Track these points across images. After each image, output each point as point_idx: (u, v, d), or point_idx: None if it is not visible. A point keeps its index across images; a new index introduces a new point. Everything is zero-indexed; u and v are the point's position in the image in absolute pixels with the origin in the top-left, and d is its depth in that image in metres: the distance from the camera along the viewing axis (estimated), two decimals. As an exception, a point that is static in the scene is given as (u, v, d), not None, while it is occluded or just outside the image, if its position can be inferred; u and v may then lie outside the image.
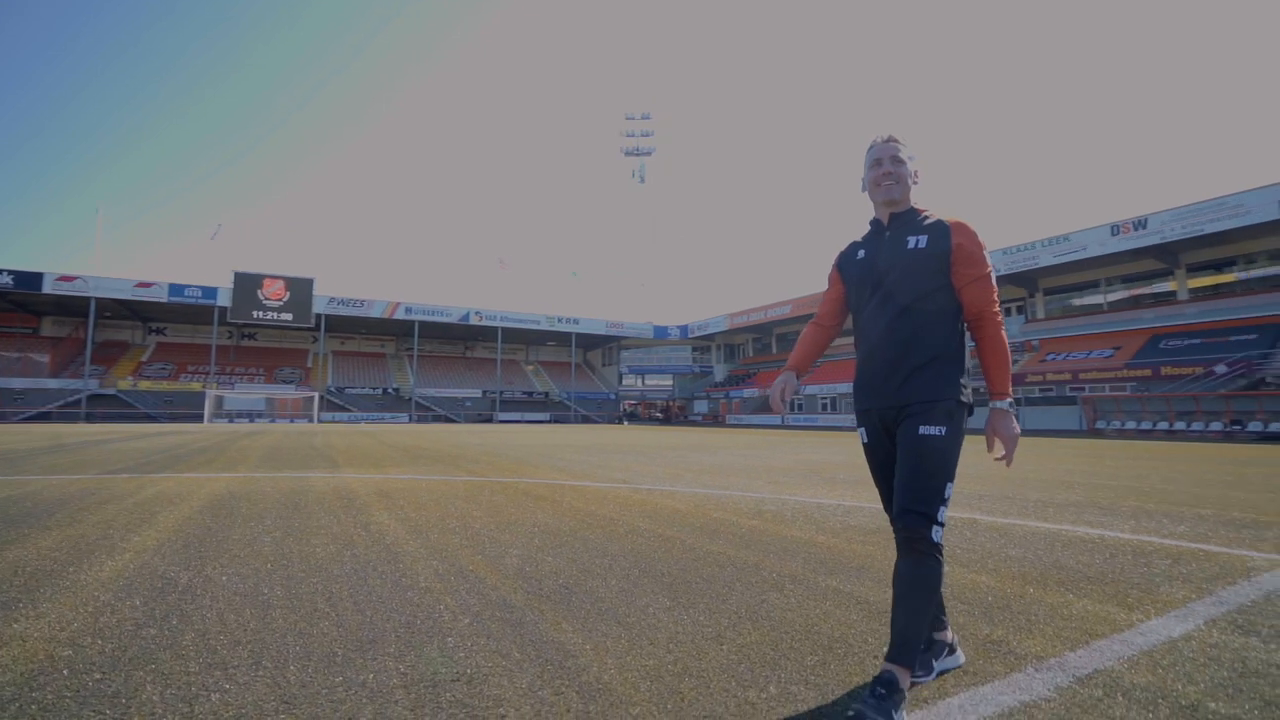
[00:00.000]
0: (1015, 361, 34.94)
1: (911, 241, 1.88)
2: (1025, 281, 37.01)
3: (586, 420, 53.94)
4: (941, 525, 1.71)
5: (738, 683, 1.88)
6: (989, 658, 2.07)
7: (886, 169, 1.95)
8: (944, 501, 1.73)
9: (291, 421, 44.20)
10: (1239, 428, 23.57)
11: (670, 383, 60.34)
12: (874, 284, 1.93)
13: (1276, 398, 23.46)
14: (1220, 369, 26.26)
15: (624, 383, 60.69)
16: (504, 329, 55.58)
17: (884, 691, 1.61)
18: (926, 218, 1.92)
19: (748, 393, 52.06)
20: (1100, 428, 27.59)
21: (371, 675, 1.92)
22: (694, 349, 61.61)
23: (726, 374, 59.89)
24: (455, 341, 63.01)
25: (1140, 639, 2.25)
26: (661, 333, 59.75)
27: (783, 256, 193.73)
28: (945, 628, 1.97)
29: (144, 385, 45.97)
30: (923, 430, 1.76)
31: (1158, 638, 2.27)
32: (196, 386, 46.43)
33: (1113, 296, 34.99)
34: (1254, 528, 4.44)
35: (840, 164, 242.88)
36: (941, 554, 1.73)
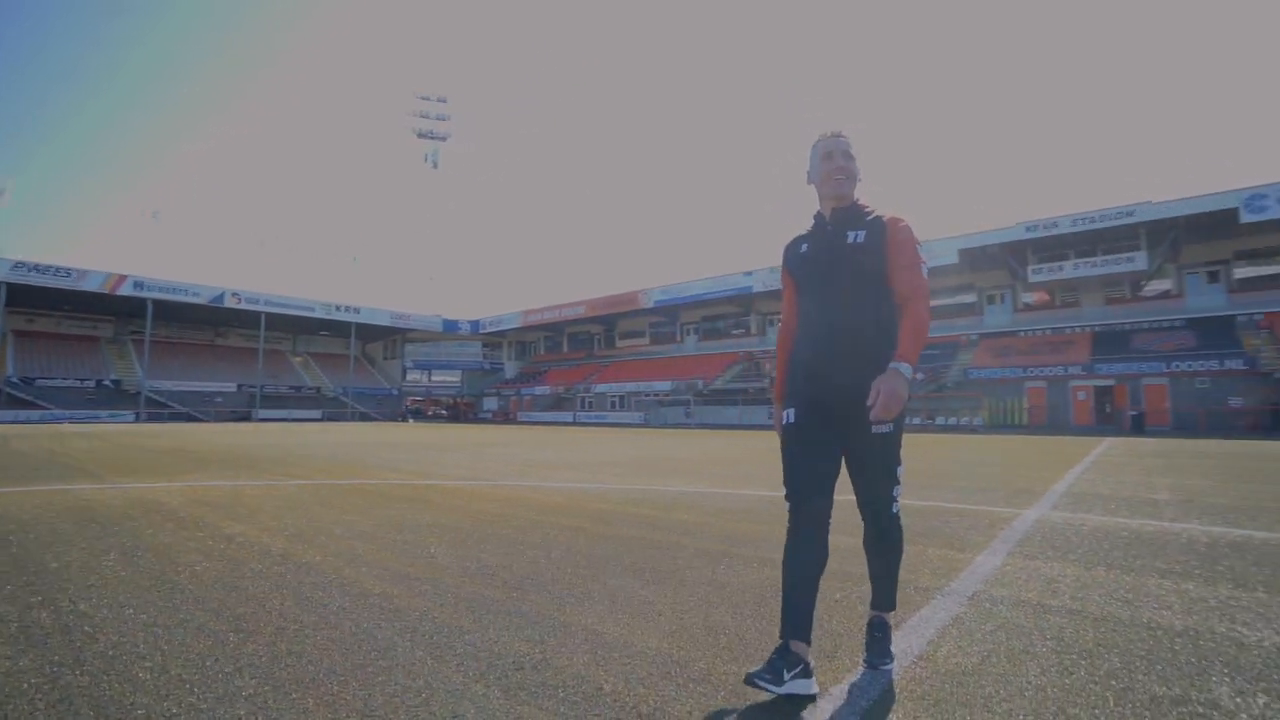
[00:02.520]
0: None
1: (851, 236, 1.94)
2: (779, 298, 43.02)
3: (366, 418, 49.58)
4: (898, 500, 1.98)
5: (737, 628, 2.27)
6: (906, 592, 2.75)
7: (839, 164, 1.98)
8: (899, 481, 1.96)
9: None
10: (930, 421, 30.36)
11: (459, 379, 58.19)
12: (819, 277, 1.98)
13: (955, 399, 30.73)
14: (920, 376, 33.50)
15: (408, 378, 57.02)
16: (268, 314, 48.49)
17: (880, 634, 1.97)
18: (868, 213, 1.98)
19: (539, 390, 52.48)
20: (838, 422, 33.34)
21: (454, 669, 1.93)
22: (485, 345, 60.21)
23: (518, 371, 59.62)
24: (203, 327, 53.29)
25: (981, 569, 3.15)
26: (451, 327, 57.34)
27: (578, 258, 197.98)
28: (808, 640, 1.79)
29: None
30: (876, 430, 1.88)
31: (990, 567, 3.19)
32: None
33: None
34: (992, 491, 6.08)
35: (644, 166, 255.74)
36: (900, 521, 2.01)
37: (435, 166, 67.44)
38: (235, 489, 6.24)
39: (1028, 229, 31.29)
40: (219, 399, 46.57)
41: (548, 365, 57.04)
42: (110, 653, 2.04)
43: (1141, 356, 27.81)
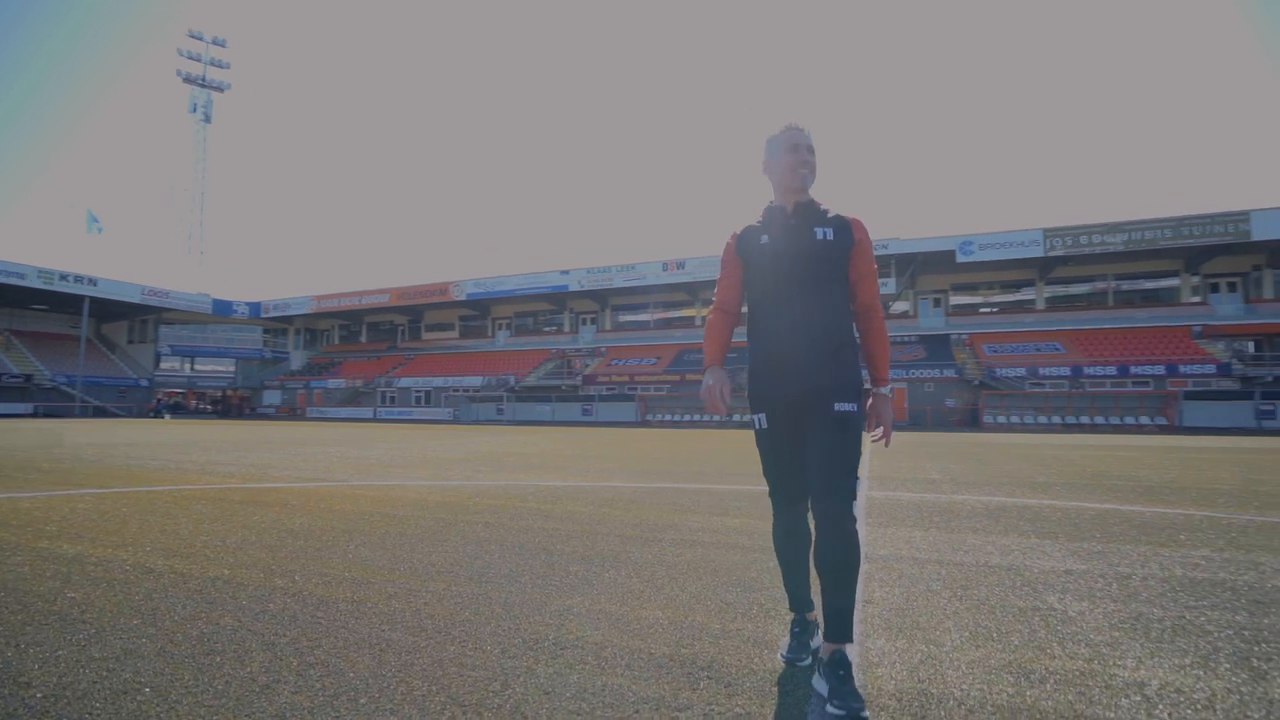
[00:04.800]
0: (588, 365, 41.67)
1: (820, 233, 1.91)
2: (599, 298, 44.36)
3: (103, 413, 40.70)
4: (855, 498, 1.81)
5: (718, 595, 2.68)
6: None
7: (804, 157, 1.96)
8: (857, 477, 1.82)
9: None
10: (730, 419, 33.69)
11: (232, 369, 50.37)
12: (785, 271, 1.92)
13: (747, 399, 34.44)
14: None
15: (163, 366, 47.91)
16: (-56, 279, 37.42)
17: (844, 673, 1.67)
18: (827, 211, 1.97)
19: (333, 383, 47.68)
20: (649, 420, 35.38)
21: (497, 653, 2.03)
22: (267, 331, 52.88)
23: (306, 362, 53.45)
24: None
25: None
26: (225, 309, 49.45)
27: (383, 243, 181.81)
28: (813, 607, 2.11)
29: None
30: (839, 408, 1.81)
31: (863, 535, 3.98)
32: None
33: (656, 316, 44.98)
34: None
35: (462, 155, 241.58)
36: (856, 527, 1.79)
37: (207, 121, 57.32)
38: (51, 500, 5.10)
39: (810, 252, 36.22)
40: None
41: (343, 356, 51.98)
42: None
43: (892, 365, 33.82)
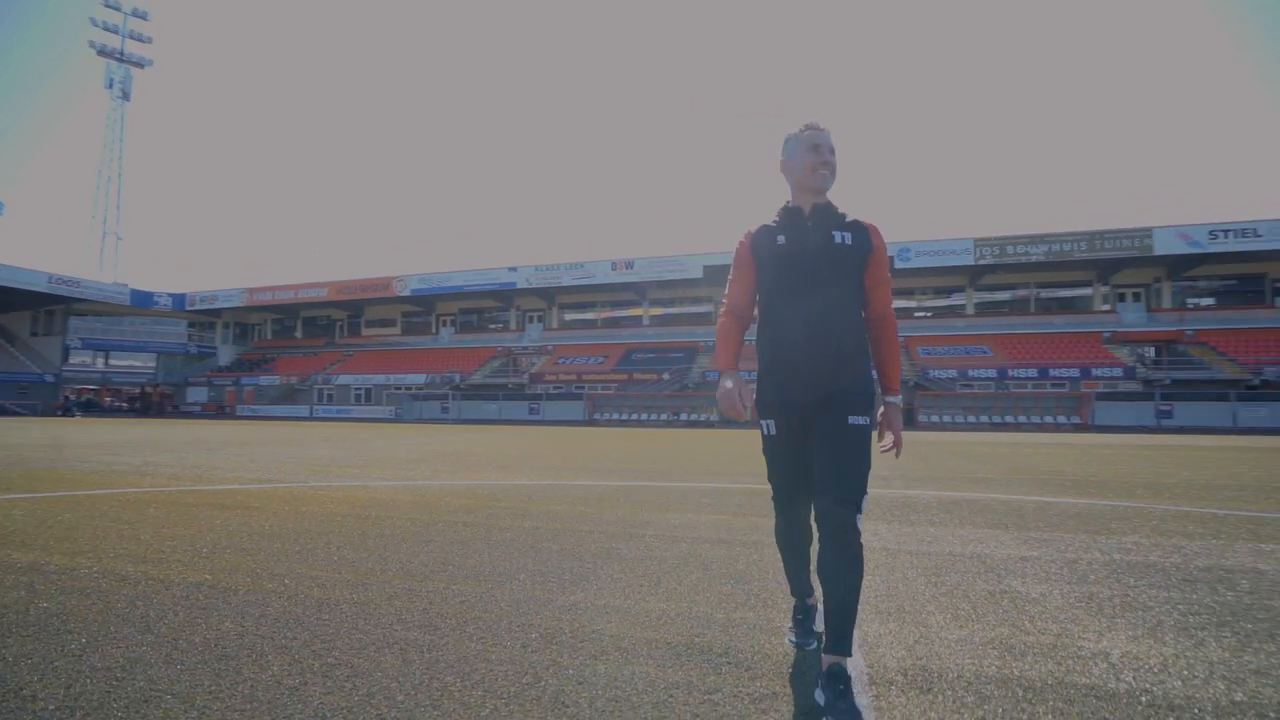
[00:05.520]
0: (534, 363, 41.32)
1: (838, 236, 1.88)
2: (546, 295, 44.01)
3: (2, 411, 37.52)
4: (864, 510, 1.78)
5: (716, 588, 2.81)
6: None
7: (825, 157, 1.92)
8: (867, 489, 1.80)
9: None
10: (677, 417, 34.07)
11: (153, 364, 47.26)
12: (803, 273, 1.89)
13: (695, 396, 34.92)
14: (667, 376, 37.28)
15: (72, 361, 44.47)
16: None
17: (843, 687, 1.65)
18: (845, 215, 1.94)
19: (266, 380, 45.50)
20: (597, 418, 35.38)
21: (519, 648, 2.09)
22: (192, 325, 49.88)
23: (235, 357, 50.77)
24: None
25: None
26: (144, 300, 46.29)
27: (321, 237, 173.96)
28: (813, 593, 2.23)
29: None
30: (852, 420, 1.80)
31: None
32: None
33: (604, 315, 44.99)
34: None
35: (403, 149, 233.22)
36: (861, 539, 1.77)
37: (125, 98, 53.46)
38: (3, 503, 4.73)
39: (756, 254, 37.02)
40: None
41: (277, 351, 49.62)
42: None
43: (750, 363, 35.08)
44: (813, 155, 1.92)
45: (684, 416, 34.01)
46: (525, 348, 43.51)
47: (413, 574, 3.02)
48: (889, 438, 2.00)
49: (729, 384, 1.91)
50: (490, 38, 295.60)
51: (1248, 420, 26.77)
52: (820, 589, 1.82)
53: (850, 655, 1.73)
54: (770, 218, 2.03)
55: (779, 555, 2.26)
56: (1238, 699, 1.78)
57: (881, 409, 1.98)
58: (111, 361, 46.47)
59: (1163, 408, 28.09)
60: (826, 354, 1.85)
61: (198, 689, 1.81)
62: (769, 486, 2.12)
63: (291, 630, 2.26)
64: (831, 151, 1.94)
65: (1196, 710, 1.70)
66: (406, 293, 43.74)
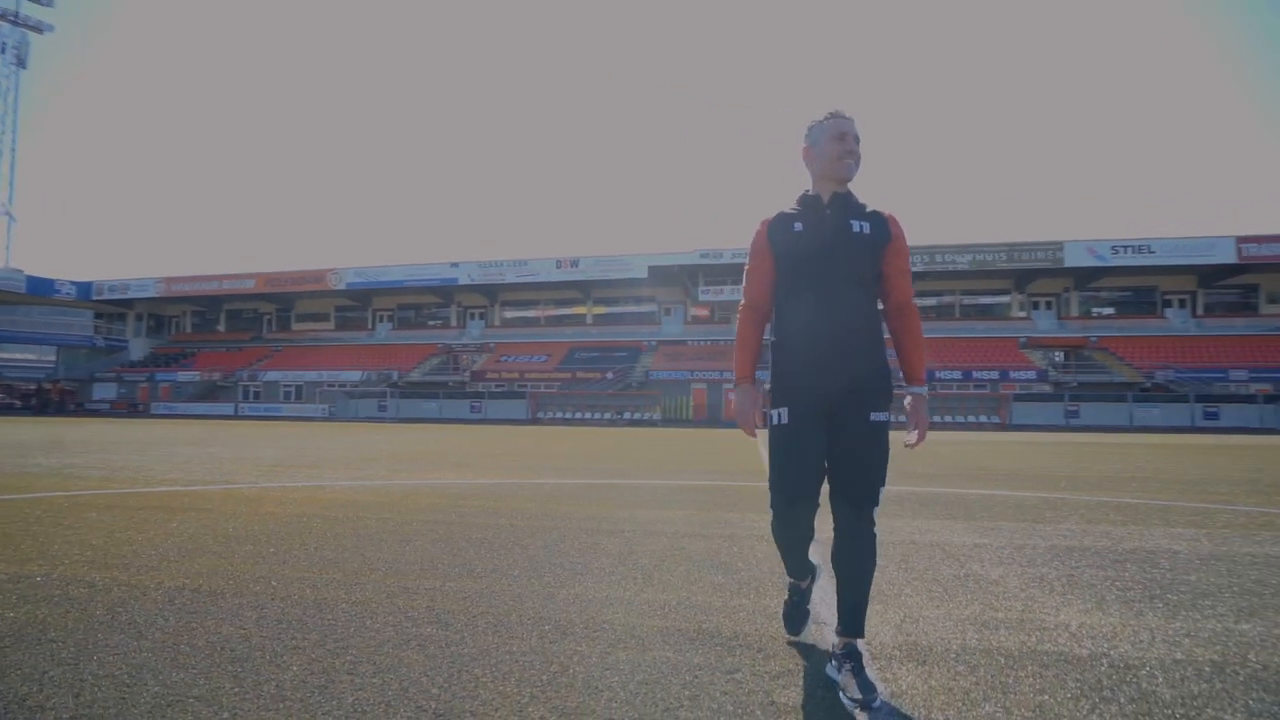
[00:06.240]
0: (475, 361, 40.58)
1: (856, 226, 1.87)
2: (488, 292, 43.26)
3: None
4: (880, 503, 1.84)
5: (709, 578, 2.95)
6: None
7: (850, 147, 1.89)
8: (885, 481, 1.84)
9: None
10: (621, 416, 34.21)
11: (53, 358, 43.54)
12: (822, 262, 1.86)
13: (638, 396, 35.18)
14: (610, 375, 37.37)
15: (-44, 353, 40.47)
16: None
17: (856, 664, 1.74)
18: (865, 205, 1.93)
19: (185, 376, 42.79)
20: (540, 417, 35.09)
21: (535, 637, 2.15)
22: (99, 316, 46.22)
23: (149, 351, 47.46)
24: None
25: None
26: (43, 288, 42.49)
27: (248, 226, 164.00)
28: (808, 575, 2.14)
29: None
30: (874, 417, 1.81)
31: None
32: None
33: (547, 313, 44.62)
34: (738, 473, 7.72)
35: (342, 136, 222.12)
36: (876, 529, 1.85)
37: (21, 66, 48.89)
38: None
39: (702, 255, 37.59)
40: None
41: (197, 346, 46.70)
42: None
43: (764, 366, 36.00)
44: (838, 144, 1.89)
45: (627, 415, 34.21)
46: (466, 345, 42.67)
47: (403, 573, 3.01)
48: (914, 430, 1.92)
49: (745, 401, 1.95)
50: (430, 17, 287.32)
51: (1142, 419, 29.34)
52: (821, 572, 1.93)
53: (863, 636, 1.83)
54: (788, 205, 1.99)
55: (765, 547, 2.35)
56: (1178, 657, 2.05)
57: (908, 400, 1.92)
58: (2, 354, 42.53)
59: (1070, 408, 30.39)
60: (843, 345, 1.82)
61: (220, 691, 1.79)
62: (766, 486, 1.95)
63: (297, 631, 2.24)
64: (857, 141, 1.91)
65: (1148, 669, 1.96)
66: (342, 286, 42.09)
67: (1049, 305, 37.62)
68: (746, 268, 2.03)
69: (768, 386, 1.97)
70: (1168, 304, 36.42)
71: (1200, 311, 36.00)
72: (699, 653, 2.05)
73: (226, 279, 43.84)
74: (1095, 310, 37.63)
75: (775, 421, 1.89)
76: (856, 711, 1.66)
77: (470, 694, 1.76)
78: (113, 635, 2.21)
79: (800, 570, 2.12)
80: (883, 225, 1.90)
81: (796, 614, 2.19)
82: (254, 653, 2.05)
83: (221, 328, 48.40)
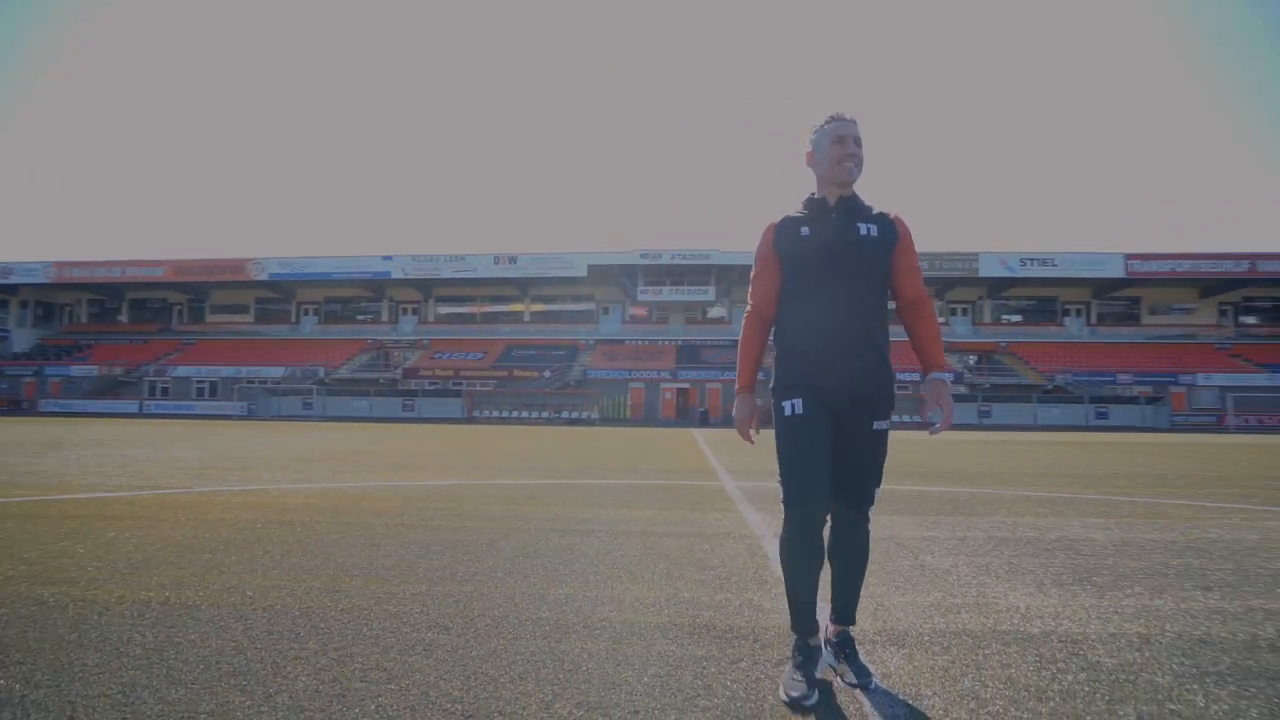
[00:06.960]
0: (408, 358, 39.35)
1: (863, 229, 1.88)
2: (422, 287, 42.03)
3: None
4: (875, 503, 1.99)
5: (688, 576, 3.08)
6: (759, 538, 3.90)
7: (851, 149, 1.90)
8: (882, 481, 1.97)
9: None
10: (558, 415, 34.02)
11: (-80, 349, 38.95)
12: (826, 265, 1.88)
13: (576, 395, 35.10)
14: (548, 374, 37.10)
15: None
16: None
17: (850, 651, 1.90)
18: (871, 207, 1.95)
19: (79, 370, 39.31)
20: (476, 416, 34.42)
21: (539, 640, 2.20)
22: (-24, 303, 41.80)
23: (36, 342, 43.33)
24: None
25: (769, 523, 4.55)
26: (-93, 271, 38.14)
27: (155, 207, 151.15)
28: (817, 631, 1.96)
29: None
30: (877, 426, 1.89)
31: (779, 520, 4.62)
32: None
33: (484, 309, 43.77)
34: (683, 470, 7.91)
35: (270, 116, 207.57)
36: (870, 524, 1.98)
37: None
38: None
39: (642, 255, 37.92)
40: None
41: (94, 338, 42.98)
42: (134, 708, 1.66)
43: (707, 366, 36.73)
44: (838, 148, 1.90)
45: (565, 415, 34.08)
46: (399, 341, 41.32)
47: (383, 578, 2.98)
48: (940, 416, 1.94)
49: (743, 410, 2.00)
50: (371, 6, 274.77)
51: (1045, 419, 31.86)
52: (828, 591, 1.98)
53: (854, 624, 2.00)
54: (794, 209, 2.01)
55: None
56: (1112, 631, 2.34)
57: (930, 385, 1.96)
58: None
59: (983, 408, 32.58)
60: (850, 348, 1.85)
61: (230, 705, 1.75)
62: (778, 486, 1.93)
63: (294, 641, 2.20)
64: (858, 143, 1.91)
65: (1091, 642, 2.23)
66: (263, 277, 39.86)
67: (965, 312, 40.16)
68: (753, 273, 2.04)
69: (770, 385, 1.99)
70: (1067, 313, 39.68)
71: (1094, 320, 39.45)
72: (700, 646, 2.17)
73: (131, 265, 40.66)
74: (1005, 317, 40.48)
75: (789, 412, 1.88)
76: (856, 693, 1.83)
77: (492, 694, 1.81)
78: (87, 654, 2.10)
79: (807, 618, 1.92)
80: (889, 227, 1.93)
81: (804, 678, 1.80)
82: (253, 665, 2.01)
83: (124, 318, 44.84)
